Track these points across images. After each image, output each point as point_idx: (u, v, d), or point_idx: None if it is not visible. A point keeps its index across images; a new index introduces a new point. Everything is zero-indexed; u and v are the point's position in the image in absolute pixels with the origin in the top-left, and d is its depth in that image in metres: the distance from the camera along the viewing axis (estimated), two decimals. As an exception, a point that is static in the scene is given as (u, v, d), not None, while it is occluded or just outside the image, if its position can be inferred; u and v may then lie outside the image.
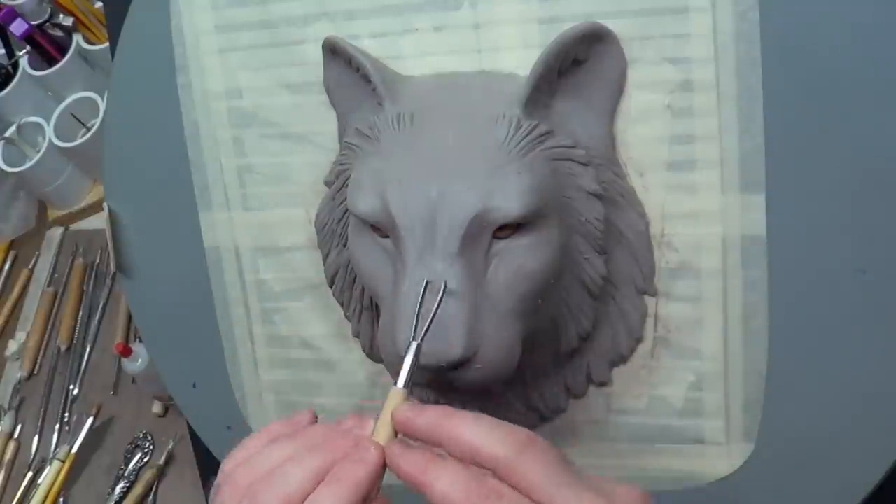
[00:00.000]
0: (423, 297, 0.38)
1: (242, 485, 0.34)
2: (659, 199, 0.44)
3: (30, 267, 1.04)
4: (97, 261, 1.00)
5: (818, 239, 0.42)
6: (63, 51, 0.98)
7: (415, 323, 0.37)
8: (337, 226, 0.48)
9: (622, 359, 0.46)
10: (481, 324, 0.39)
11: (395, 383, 0.36)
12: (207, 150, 0.53)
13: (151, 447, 0.84)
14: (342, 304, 0.50)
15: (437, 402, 0.50)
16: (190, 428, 0.61)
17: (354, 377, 0.53)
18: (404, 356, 0.36)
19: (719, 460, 0.46)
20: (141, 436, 0.85)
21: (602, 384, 0.47)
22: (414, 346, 0.37)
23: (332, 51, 0.47)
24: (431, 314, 0.37)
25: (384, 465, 0.34)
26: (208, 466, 0.62)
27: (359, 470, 0.33)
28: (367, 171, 0.42)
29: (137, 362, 0.80)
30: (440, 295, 0.38)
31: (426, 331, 0.37)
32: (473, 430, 0.33)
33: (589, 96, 0.44)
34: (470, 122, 0.42)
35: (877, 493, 0.43)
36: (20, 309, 1.01)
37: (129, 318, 0.92)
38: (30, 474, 0.86)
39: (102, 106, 0.96)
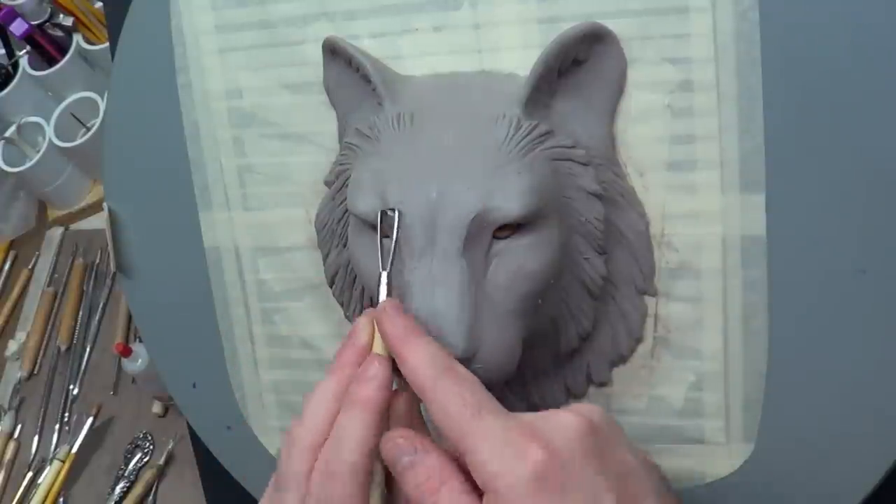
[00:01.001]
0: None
1: (287, 431, 0.36)
2: (659, 199, 0.44)
3: (30, 267, 1.04)
4: (97, 261, 1.00)
5: (818, 239, 0.42)
6: (63, 51, 0.99)
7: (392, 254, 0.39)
8: (337, 226, 0.48)
9: (622, 359, 0.46)
10: (481, 324, 0.39)
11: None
12: (207, 150, 0.53)
13: (151, 447, 0.84)
14: (342, 304, 0.50)
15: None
16: (190, 428, 0.61)
17: (354, 377, 0.53)
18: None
19: (719, 460, 0.46)
20: (141, 436, 0.85)
21: (602, 384, 0.47)
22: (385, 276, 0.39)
23: (332, 51, 0.47)
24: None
25: (392, 372, 0.36)
26: (208, 466, 0.62)
27: (368, 389, 0.35)
28: (367, 171, 0.42)
29: (137, 362, 0.80)
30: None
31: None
32: (416, 357, 0.35)
33: (589, 96, 0.44)
34: (470, 122, 0.42)
35: (877, 493, 0.43)
36: (20, 309, 1.02)
37: (129, 318, 0.92)
38: (30, 474, 0.86)
39: (102, 106, 0.96)
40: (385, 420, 0.36)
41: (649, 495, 0.33)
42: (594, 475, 0.31)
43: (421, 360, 0.34)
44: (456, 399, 0.33)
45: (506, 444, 0.31)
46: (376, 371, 0.35)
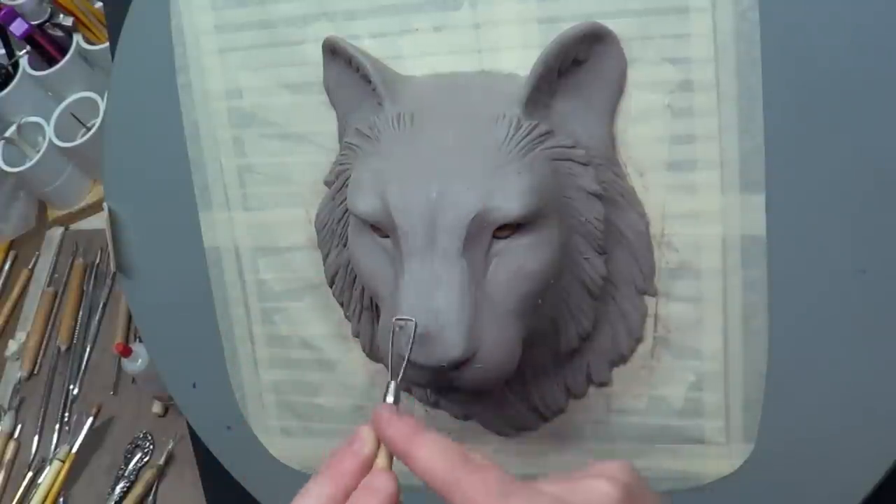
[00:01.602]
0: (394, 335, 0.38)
1: None
2: (659, 199, 0.44)
3: (30, 267, 1.04)
4: (97, 261, 1.00)
5: (818, 239, 0.42)
6: (63, 51, 0.98)
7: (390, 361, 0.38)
8: (337, 226, 0.48)
9: (622, 359, 0.46)
10: (481, 324, 0.39)
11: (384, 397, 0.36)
12: (207, 150, 0.53)
13: (151, 447, 0.84)
14: (342, 304, 0.50)
15: (436, 403, 0.51)
16: (190, 428, 0.61)
17: (354, 377, 0.53)
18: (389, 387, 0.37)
19: (719, 460, 0.46)
20: (141, 436, 0.85)
21: (602, 384, 0.47)
22: (392, 385, 0.37)
23: (332, 51, 0.47)
24: (409, 348, 0.37)
25: (397, 492, 0.34)
26: (208, 466, 0.62)
27: (372, 501, 0.33)
28: (367, 171, 0.42)
29: (137, 362, 0.80)
30: (412, 337, 0.38)
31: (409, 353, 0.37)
32: (427, 453, 0.33)
33: (589, 96, 0.44)
34: (470, 122, 0.42)
35: (877, 493, 0.43)
36: (20, 309, 1.01)
37: (129, 318, 0.92)
38: (30, 474, 0.86)
39: (102, 106, 0.96)
40: None
41: None
42: None
43: (433, 456, 0.33)
44: (481, 490, 0.32)
45: None
46: (384, 484, 0.34)
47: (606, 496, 0.31)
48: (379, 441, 0.35)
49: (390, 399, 0.36)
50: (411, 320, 0.38)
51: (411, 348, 0.37)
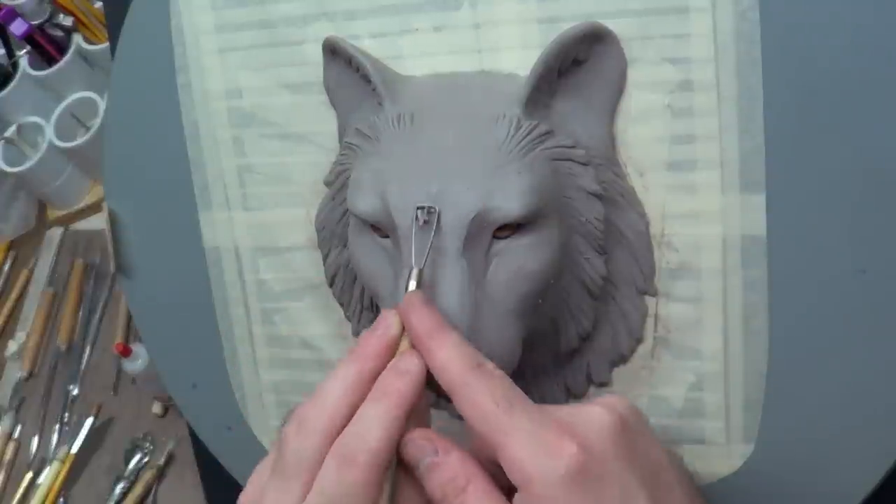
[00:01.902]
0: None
1: (296, 411, 0.35)
2: (659, 199, 0.44)
3: (30, 267, 1.04)
4: (97, 261, 1.00)
5: (818, 239, 0.42)
6: (63, 51, 0.99)
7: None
8: (337, 226, 0.48)
9: (622, 359, 0.46)
10: (481, 324, 0.39)
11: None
12: (207, 150, 0.53)
13: (151, 447, 0.84)
14: (342, 304, 0.50)
15: (437, 403, 0.50)
16: (190, 428, 0.61)
17: (354, 377, 0.53)
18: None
19: (719, 460, 0.46)
20: (141, 436, 0.85)
21: (602, 384, 0.47)
22: (415, 272, 0.38)
23: (332, 51, 0.47)
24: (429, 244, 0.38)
25: (424, 372, 0.35)
26: (208, 467, 0.62)
27: (401, 382, 0.34)
28: (366, 171, 0.42)
29: (137, 362, 0.80)
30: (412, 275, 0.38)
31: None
32: (447, 353, 0.35)
33: (589, 96, 0.44)
34: (470, 122, 0.42)
35: (877, 493, 0.43)
36: (20, 309, 1.02)
37: (129, 318, 0.92)
38: (30, 474, 0.86)
39: (102, 106, 0.96)
40: (409, 418, 0.35)
41: (675, 487, 0.34)
42: (627, 470, 0.32)
43: (450, 357, 0.34)
44: (487, 396, 0.33)
45: (539, 441, 0.31)
46: (412, 366, 0.35)
47: (604, 422, 0.33)
48: (404, 326, 0.36)
49: (413, 285, 0.37)
50: (434, 208, 0.39)
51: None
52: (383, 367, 0.35)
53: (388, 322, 0.36)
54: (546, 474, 0.31)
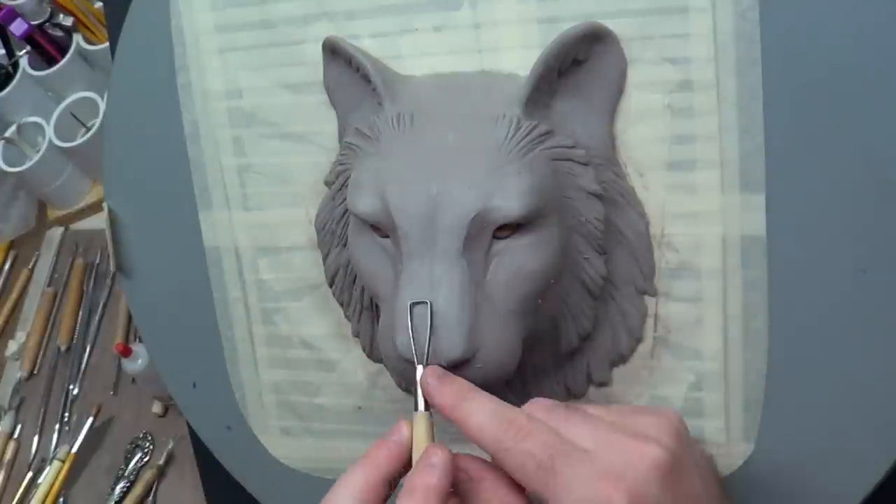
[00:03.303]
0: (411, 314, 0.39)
1: None
2: (659, 199, 0.44)
3: (30, 267, 1.04)
4: (97, 261, 1.00)
5: (818, 239, 0.42)
6: (63, 51, 0.98)
7: (413, 346, 0.39)
8: (337, 226, 0.48)
9: (622, 359, 0.46)
10: (481, 324, 0.39)
11: (416, 406, 0.38)
12: (207, 150, 0.53)
13: (151, 447, 0.84)
14: (342, 304, 0.50)
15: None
16: (190, 428, 0.61)
17: (354, 377, 0.53)
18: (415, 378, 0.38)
19: (719, 460, 0.46)
20: (141, 436, 0.85)
21: (602, 384, 0.47)
22: (420, 369, 0.38)
23: (332, 51, 0.47)
24: (428, 332, 0.38)
25: (452, 465, 0.35)
26: (208, 466, 0.62)
27: (432, 476, 0.34)
28: (366, 171, 0.42)
29: (137, 362, 0.80)
30: (430, 315, 0.38)
31: (427, 352, 0.38)
32: (478, 419, 0.35)
33: (589, 96, 0.44)
34: (470, 123, 0.42)
35: (877, 493, 0.43)
36: (20, 309, 1.01)
37: (129, 318, 0.92)
38: (30, 474, 0.86)
39: (102, 106, 0.96)
40: None
41: None
42: None
43: (480, 425, 0.35)
44: (528, 458, 0.34)
45: (588, 498, 0.33)
46: (440, 459, 0.35)
47: (655, 463, 0.34)
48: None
49: (420, 369, 0.38)
50: (426, 302, 0.38)
51: (431, 331, 0.38)
52: (394, 470, 0.36)
53: (400, 427, 0.37)
54: None
